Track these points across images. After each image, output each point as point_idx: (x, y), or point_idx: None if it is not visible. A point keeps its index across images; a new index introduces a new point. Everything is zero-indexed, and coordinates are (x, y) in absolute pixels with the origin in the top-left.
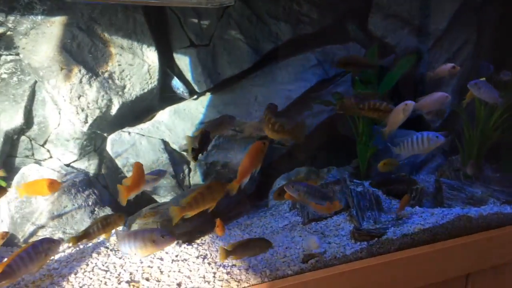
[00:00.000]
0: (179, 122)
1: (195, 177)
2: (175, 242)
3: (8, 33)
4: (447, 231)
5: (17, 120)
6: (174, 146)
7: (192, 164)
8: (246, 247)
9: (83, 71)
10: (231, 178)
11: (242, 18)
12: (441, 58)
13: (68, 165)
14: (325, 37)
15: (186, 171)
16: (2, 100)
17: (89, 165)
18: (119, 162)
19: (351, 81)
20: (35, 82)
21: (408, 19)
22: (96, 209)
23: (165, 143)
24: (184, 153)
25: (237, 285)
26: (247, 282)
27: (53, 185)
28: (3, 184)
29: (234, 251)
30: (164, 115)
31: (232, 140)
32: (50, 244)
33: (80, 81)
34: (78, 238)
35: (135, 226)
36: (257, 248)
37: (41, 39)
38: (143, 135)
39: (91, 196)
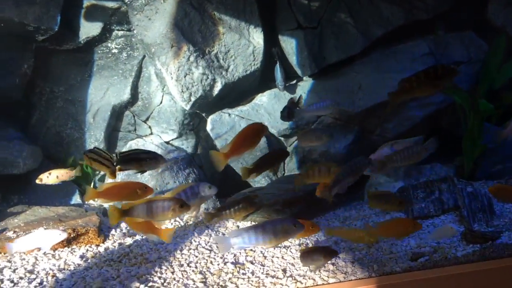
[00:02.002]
0: (279, 106)
1: (290, 164)
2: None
3: (122, 8)
4: None
5: (125, 95)
6: (273, 131)
7: (289, 150)
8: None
9: (191, 49)
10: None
11: (353, 1)
12: None
13: (167, 143)
14: (439, 24)
15: None
16: (111, 74)
17: (187, 144)
18: (218, 143)
19: None
20: (143, 58)
21: None
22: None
23: None
24: (281, 139)
25: (344, 277)
26: (353, 275)
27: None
28: None
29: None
30: (263, 98)
31: (331, 128)
32: (204, 187)
33: (188, 60)
34: (212, 215)
35: None
36: (322, 258)
37: (155, 15)
38: (243, 117)
39: (191, 174)
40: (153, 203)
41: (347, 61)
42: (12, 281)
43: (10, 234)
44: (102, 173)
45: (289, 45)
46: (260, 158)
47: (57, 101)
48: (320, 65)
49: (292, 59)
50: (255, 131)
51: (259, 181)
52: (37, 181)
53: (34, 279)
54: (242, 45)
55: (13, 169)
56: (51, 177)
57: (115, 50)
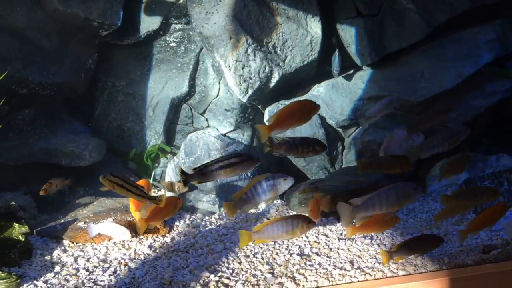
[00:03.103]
0: (336, 97)
1: (348, 156)
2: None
3: (181, 1)
4: None
5: (183, 88)
6: (330, 122)
7: (346, 141)
8: (414, 246)
9: (249, 40)
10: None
11: None
12: None
13: (224, 135)
14: (508, 8)
15: (340, 148)
16: (169, 68)
17: (243, 137)
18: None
19: None
20: (200, 51)
21: None
22: None
23: (322, 118)
24: (340, 130)
25: (414, 270)
26: (424, 268)
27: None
28: (168, 149)
29: (400, 252)
30: (321, 89)
31: (391, 119)
32: (280, 180)
33: (246, 51)
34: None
35: (294, 200)
36: (428, 246)
37: (214, 7)
38: None
39: None
40: (282, 221)
41: (408, 49)
42: (87, 270)
43: (80, 224)
44: (161, 165)
45: (348, 33)
46: (381, 157)
47: (118, 95)
48: (380, 54)
49: (351, 48)
50: (304, 107)
51: (317, 173)
52: (42, 193)
53: (108, 267)
54: (299, 35)
55: (80, 162)
56: (52, 187)
57: (173, 44)
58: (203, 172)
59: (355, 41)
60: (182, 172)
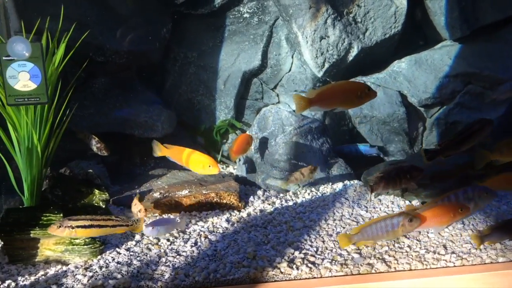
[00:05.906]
0: (420, 73)
1: (430, 137)
2: None
3: None
4: None
5: (255, 61)
6: (413, 100)
7: (428, 122)
8: (507, 229)
9: (329, 10)
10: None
11: None
12: None
13: (295, 111)
14: None
15: (421, 129)
16: (242, 40)
17: (315, 114)
18: (351, 111)
19: None
20: (274, 23)
21: None
22: (328, 158)
23: (403, 96)
24: (421, 109)
25: None
26: None
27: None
28: (238, 124)
29: (492, 235)
30: (402, 65)
31: (480, 98)
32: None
33: (325, 22)
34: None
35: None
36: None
37: None
38: (379, 85)
39: (324, 144)
40: (381, 222)
41: (504, 22)
42: (168, 240)
43: (156, 195)
44: (229, 141)
45: (437, 4)
46: None
47: (189, 67)
48: (472, 27)
49: (440, 19)
50: (356, 90)
51: (394, 154)
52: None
53: (188, 239)
54: (383, 5)
55: (152, 133)
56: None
57: (246, 15)
58: (448, 146)
59: (445, 12)
60: (427, 150)
